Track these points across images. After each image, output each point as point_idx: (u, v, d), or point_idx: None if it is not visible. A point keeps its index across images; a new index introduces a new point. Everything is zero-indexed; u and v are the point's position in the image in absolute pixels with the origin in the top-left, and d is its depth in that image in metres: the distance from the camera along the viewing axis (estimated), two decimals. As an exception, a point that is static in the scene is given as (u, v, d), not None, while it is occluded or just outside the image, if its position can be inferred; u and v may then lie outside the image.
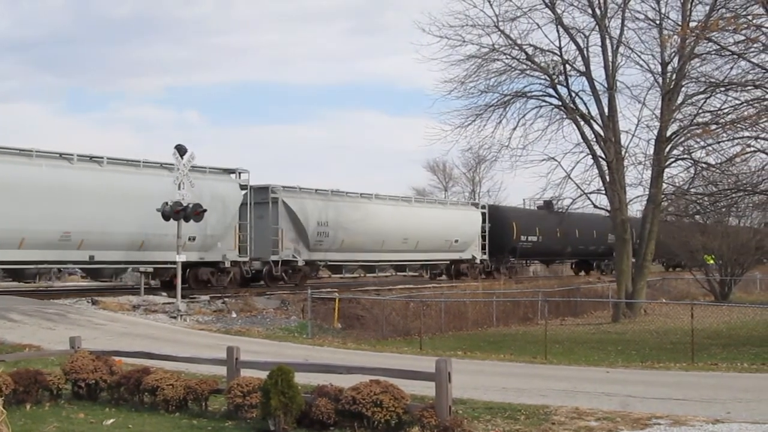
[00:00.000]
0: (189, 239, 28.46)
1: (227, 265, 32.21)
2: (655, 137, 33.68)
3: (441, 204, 48.88)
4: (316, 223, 35.96)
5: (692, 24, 30.29)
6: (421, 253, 42.99)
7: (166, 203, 25.84)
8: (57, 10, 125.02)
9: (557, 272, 61.02)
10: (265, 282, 34.99)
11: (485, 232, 47.46)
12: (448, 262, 45.91)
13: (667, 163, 33.93)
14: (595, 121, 35.11)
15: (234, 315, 27.78)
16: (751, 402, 12.10)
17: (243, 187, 33.16)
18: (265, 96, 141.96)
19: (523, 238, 49.90)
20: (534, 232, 50.88)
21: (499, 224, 48.30)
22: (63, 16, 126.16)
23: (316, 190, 37.39)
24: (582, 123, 35.04)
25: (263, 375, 10.26)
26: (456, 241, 45.06)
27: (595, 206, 36.42)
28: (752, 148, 28.85)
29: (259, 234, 33.93)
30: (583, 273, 58.59)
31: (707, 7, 30.26)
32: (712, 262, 47.42)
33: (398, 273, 47.34)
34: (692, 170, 33.94)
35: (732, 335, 27.15)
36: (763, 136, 27.58)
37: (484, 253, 47.47)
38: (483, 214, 47.93)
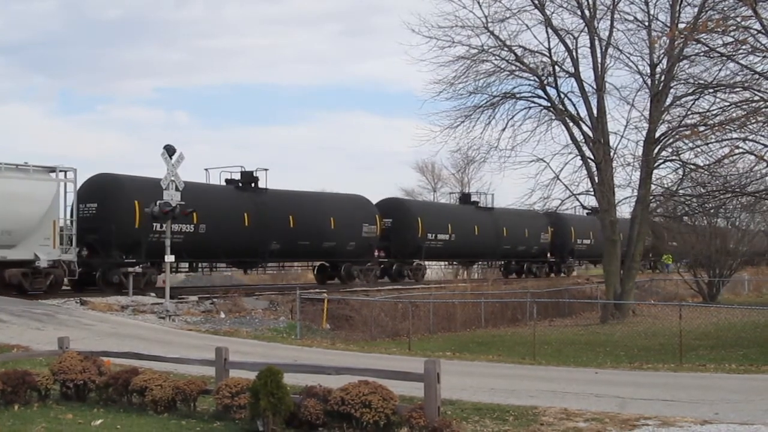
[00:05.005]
0: None
1: None
2: (643, 138, 33.74)
3: None
4: None
5: (681, 25, 30.39)
6: None
7: (155, 203, 25.78)
8: (48, 13, 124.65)
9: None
10: None
11: (67, 215, 28.64)
12: None
13: (656, 164, 33.99)
14: (583, 122, 35.19)
15: (223, 316, 27.76)
16: (739, 403, 12.15)
17: None
18: (255, 98, 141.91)
19: (158, 226, 28.49)
20: (205, 217, 31.12)
21: (116, 206, 29.54)
22: (54, 18, 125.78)
23: None
24: (571, 124, 35.09)
25: (252, 376, 10.25)
26: None
27: (584, 207, 36.47)
28: (740, 150, 28.84)
29: None
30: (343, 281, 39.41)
31: (696, 9, 30.39)
32: (670, 262, 47.37)
33: None
34: (681, 171, 33.97)
35: (720, 336, 27.17)
36: (751, 137, 27.62)
37: (66, 251, 28.03)
38: (65, 186, 28.34)
